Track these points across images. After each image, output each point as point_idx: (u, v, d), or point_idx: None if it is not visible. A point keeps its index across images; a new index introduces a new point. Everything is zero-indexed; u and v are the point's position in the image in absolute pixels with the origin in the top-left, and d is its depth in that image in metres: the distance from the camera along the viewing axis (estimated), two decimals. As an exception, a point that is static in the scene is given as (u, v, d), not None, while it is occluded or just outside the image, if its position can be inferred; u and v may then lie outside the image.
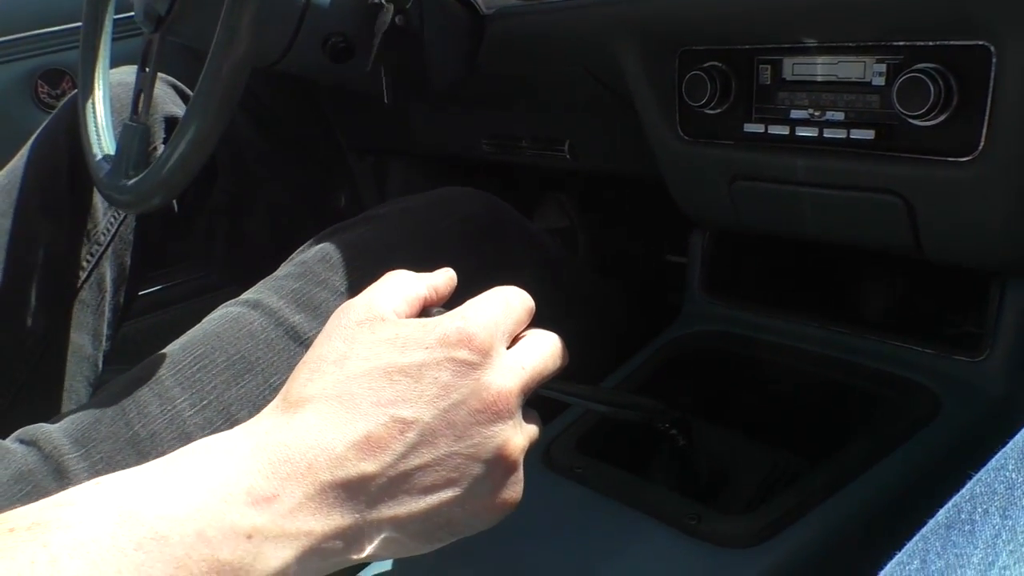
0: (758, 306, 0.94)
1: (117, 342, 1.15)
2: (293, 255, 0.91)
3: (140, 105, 0.99)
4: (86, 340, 1.11)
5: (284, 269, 0.89)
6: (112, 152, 1.02)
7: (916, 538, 0.40)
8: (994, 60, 0.68)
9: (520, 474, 0.52)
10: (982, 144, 0.70)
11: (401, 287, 0.55)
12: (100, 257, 1.13)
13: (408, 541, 0.49)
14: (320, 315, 0.82)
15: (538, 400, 0.55)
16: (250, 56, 0.77)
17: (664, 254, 1.33)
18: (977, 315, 0.80)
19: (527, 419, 0.53)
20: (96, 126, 1.06)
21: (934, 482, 0.68)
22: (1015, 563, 0.35)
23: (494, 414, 0.49)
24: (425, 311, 0.55)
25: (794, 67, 0.81)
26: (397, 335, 0.50)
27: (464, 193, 0.95)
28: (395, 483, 0.46)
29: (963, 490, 0.40)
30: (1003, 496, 0.38)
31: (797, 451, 0.80)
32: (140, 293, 1.25)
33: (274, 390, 0.77)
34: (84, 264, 1.12)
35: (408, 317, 0.53)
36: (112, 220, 1.15)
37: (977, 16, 0.67)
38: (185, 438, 0.75)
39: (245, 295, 0.86)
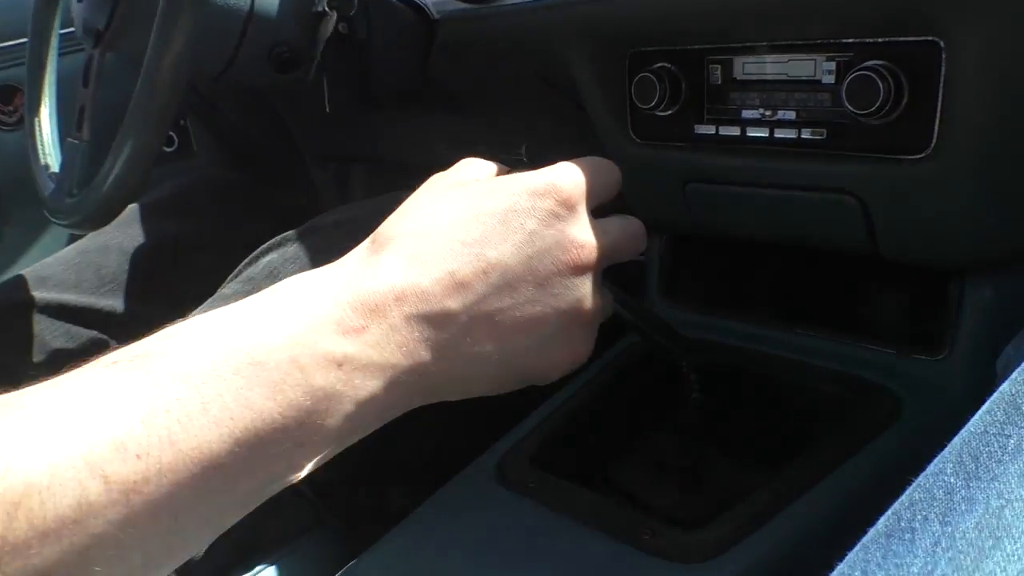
0: (717, 310, 0.92)
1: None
2: (239, 268, 0.89)
3: (84, 121, 0.97)
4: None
5: (231, 286, 0.87)
6: (57, 170, 1.00)
7: (857, 548, 0.39)
8: (944, 56, 0.66)
9: (592, 332, 0.53)
10: (935, 141, 0.69)
11: (483, 164, 0.56)
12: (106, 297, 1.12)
13: (483, 383, 0.51)
14: None
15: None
16: (184, 69, 0.75)
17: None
18: (937, 314, 0.79)
19: (603, 293, 0.54)
20: (42, 143, 1.04)
21: (895, 487, 0.66)
22: (954, 571, 0.33)
23: (576, 267, 0.50)
24: None
25: (745, 66, 0.80)
26: (485, 184, 0.51)
27: None
28: (477, 323, 0.47)
29: (903, 497, 0.39)
30: (942, 502, 0.37)
31: (757, 456, 0.79)
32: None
33: None
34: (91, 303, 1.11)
35: None
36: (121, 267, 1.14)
37: (925, 11, 0.66)
38: None
39: (193, 315, 0.84)
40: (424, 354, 0.46)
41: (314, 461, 0.45)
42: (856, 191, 0.74)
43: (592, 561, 0.64)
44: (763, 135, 0.78)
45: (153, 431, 0.38)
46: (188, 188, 1.35)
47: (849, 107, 0.69)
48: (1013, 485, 0.35)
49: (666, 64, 0.83)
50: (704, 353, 0.73)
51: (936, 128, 0.68)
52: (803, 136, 0.76)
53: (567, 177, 0.51)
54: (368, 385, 0.44)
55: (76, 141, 0.94)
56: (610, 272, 0.56)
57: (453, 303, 0.47)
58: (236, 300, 0.82)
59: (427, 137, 1.32)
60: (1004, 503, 0.35)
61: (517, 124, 1.19)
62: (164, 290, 1.16)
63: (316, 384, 0.43)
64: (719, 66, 0.81)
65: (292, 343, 0.43)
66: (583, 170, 0.53)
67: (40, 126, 1.05)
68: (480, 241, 0.48)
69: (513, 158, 1.18)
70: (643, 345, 0.92)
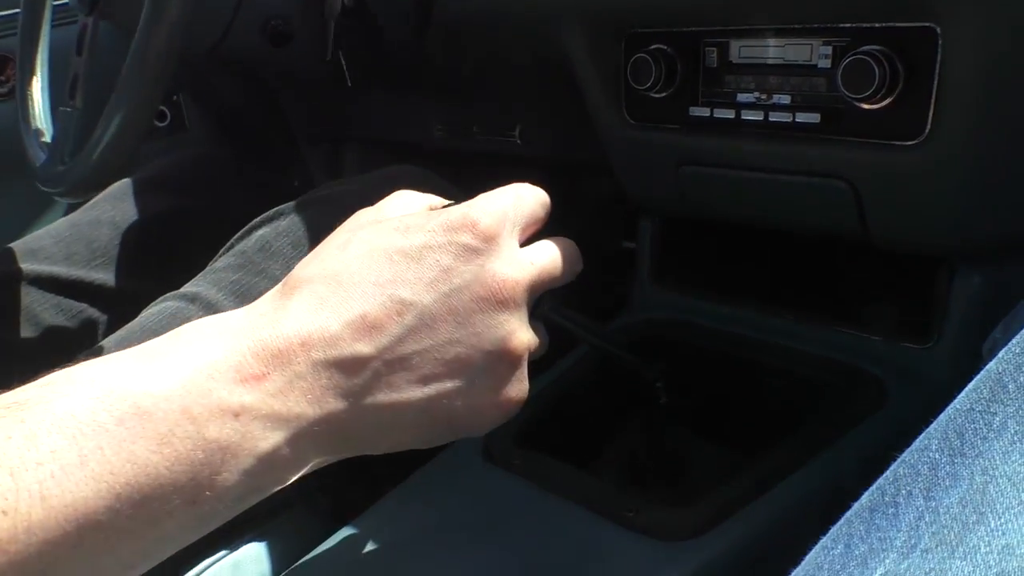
0: (706, 293, 0.92)
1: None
2: (231, 243, 0.88)
3: (77, 90, 0.96)
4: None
5: (223, 260, 0.86)
6: (49, 139, 0.99)
7: (841, 522, 0.40)
8: (940, 42, 0.66)
9: (524, 372, 0.50)
10: (928, 128, 0.69)
11: (412, 198, 0.55)
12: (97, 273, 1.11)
13: (407, 434, 0.48)
14: None
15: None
16: (176, 37, 0.75)
17: (620, 241, 1.32)
18: (926, 302, 0.79)
19: (534, 327, 0.52)
20: (34, 112, 1.04)
21: (878, 472, 0.67)
22: (936, 545, 0.34)
23: (498, 303, 0.47)
24: None
25: (741, 50, 0.79)
26: (401, 220, 0.49)
27: (406, 171, 0.93)
28: (392, 368, 0.45)
29: (887, 472, 0.39)
30: (926, 478, 0.37)
31: (742, 439, 0.79)
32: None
33: None
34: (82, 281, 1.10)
35: None
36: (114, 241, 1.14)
37: (922, -3, 0.66)
38: None
39: (184, 288, 0.84)
40: (334, 403, 0.43)
41: (212, 522, 0.42)
42: (848, 176, 0.74)
43: (575, 537, 0.64)
44: (758, 118, 0.78)
45: (23, 485, 0.35)
46: (181, 164, 1.34)
47: (844, 91, 0.69)
48: (997, 461, 0.35)
49: (662, 46, 0.83)
50: (663, 360, 0.72)
51: (930, 115, 0.68)
52: (798, 120, 0.76)
53: (485, 209, 0.49)
54: (270, 437, 0.41)
55: (69, 110, 0.93)
56: (563, 289, 0.55)
57: (365, 347, 0.44)
58: (227, 274, 0.83)
59: (421, 117, 1.32)
60: (988, 479, 0.35)
61: (511, 105, 1.18)
62: (156, 265, 1.16)
63: (209, 436, 0.40)
64: (715, 49, 0.81)
65: (184, 391, 0.40)
66: (504, 199, 0.51)
67: (32, 95, 1.04)
68: (393, 281, 0.46)
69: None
70: (630, 329, 0.92)
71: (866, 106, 0.70)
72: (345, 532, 0.70)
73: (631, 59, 0.84)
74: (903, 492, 0.37)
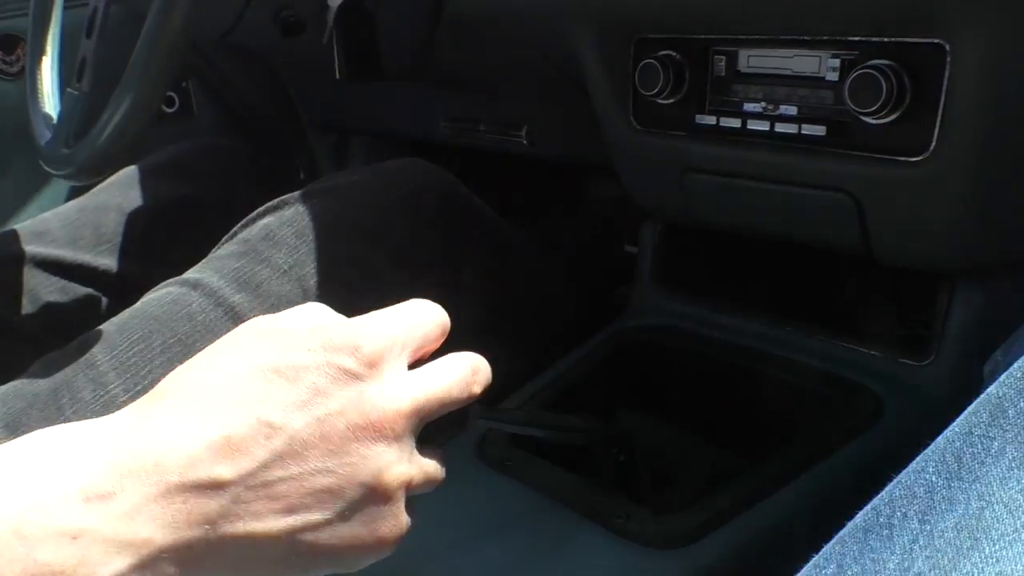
0: (707, 300, 0.92)
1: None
2: (235, 230, 0.88)
3: (84, 72, 0.96)
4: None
5: (226, 247, 0.86)
6: (56, 120, 0.99)
7: (834, 541, 0.39)
8: (948, 59, 0.66)
9: (399, 510, 0.45)
10: (933, 144, 0.68)
11: (317, 313, 0.49)
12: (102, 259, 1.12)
13: (266, 565, 0.43)
14: (261, 294, 0.80)
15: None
16: (188, 24, 0.75)
17: (623, 244, 1.32)
18: (925, 318, 0.79)
19: (425, 454, 0.47)
20: (42, 93, 1.04)
21: (872, 487, 0.67)
22: (930, 569, 0.34)
23: (376, 432, 0.43)
24: None
25: (749, 59, 0.79)
26: (281, 335, 0.45)
27: (413, 165, 0.93)
28: (254, 494, 0.40)
29: (882, 493, 0.39)
30: (922, 500, 0.36)
31: (738, 449, 0.79)
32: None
33: None
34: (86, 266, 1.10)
35: None
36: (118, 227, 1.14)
37: (932, 13, 0.65)
38: None
39: (186, 274, 0.83)
40: (187, 530, 0.39)
41: None
42: (852, 190, 0.74)
43: (564, 541, 0.64)
44: (764, 128, 0.78)
45: None
46: (188, 152, 1.34)
47: (851, 105, 0.69)
48: (994, 487, 0.35)
49: (671, 52, 0.83)
50: (608, 430, 0.72)
51: (936, 131, 0.68)
52: (803, 132, 0.76)
53: (371, 330, 0.45)
54: (111, 564, 0.37)
55: (75, 92, 0.93)
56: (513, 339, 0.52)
57: (225, 470, 0.40)
58: (230, 261, 0.83)
59: (428, 113, 1.32)
60: (984, 504, 0.35)
61: (519, 105, 1.18)
62: (160, 252, 1.16)
63: (41, 560, 0.36)
64: (724, 57, 0.81)
65: (20, 509, 0.36)
66: (395, 321, 0.47)
67: (41, 76, 1.04)
68: (263, 400, 0.42)
69: (517, 140, 1.17)
70: (629, 334, 0.92)
71: (872, 120, 0.70)
72: None
73: (639, 64, 0.84)
74: (898, 514, 0.37)
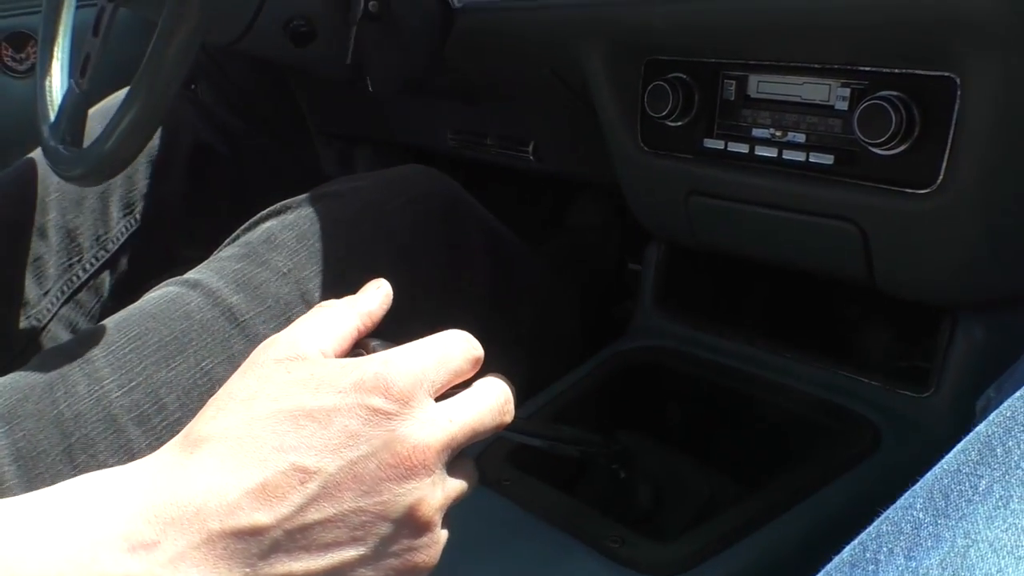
0: (708, 324, 0.92)
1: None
2: (237, 233, 0.88)
3: (86, 70, 0.96)
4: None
5: (228, 249, 0.86)
6: (53, 119, 0.99)
7: (820, 575, 0.39)
8: (959, 93, 0.66)
9: (437, 536, 0.47)
10: (941, 177, 0.68)
11: (330, 322, 0.50)
12: (105, 262, 1.11)
13: None
14: (260, 296, 0.80)
15: None
16: (199, 33, 0.75)
17: (627, 262, 1.32)
18: (926, 350, 0.79)
19: (456, 474, 0.49)
20: (50, 94, 1.04)
21: (866, 519, 0.66)
22: None
23: (407, 470, 0.44)
24: (360, 343, 0.51)
25: (759, 84, 0.79)
26: (312, 375, 0.45)
27: (418, 173, 0.93)
28: (292, 537, 0.42)
29: (870, 528, 0.39)
30: (909, 536, 0.37)
31: (735, 475, 0.78)
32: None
33: (205, 374, 0.76)
34: (88, 267, 1.10)
35: (338, 354, 0.49)
36: (124, 229, 1.13)
37: (944, 46, 0.65)
38: (110, 420, 0.72)
39: (187, 275, 0.84)
40: (228, 573, 0.40)
41: None
42: (858, 220, 0.74)
43: (556, 563, 0.64)
44: (771, 155, 0.78)
45: None
46: (193, 153, 1.34)
47: (860, 135, 0.69)
48: (980, 526, 0.35)
49: (681, 75, 0.83)
50: (609, 444, 0.72)
51: (944, 165, 0.68)
52: (811, 160, 0.75)
53: (401, 368, 0.46)
54: None
55: (76, 90, 0.94)
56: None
57: (264, 516, 0.41)
58: (230, 263, 0.83)
59: (436, 124, 1.32)
60: (970, 543, 0.35)
61: (526, 120, 1.18)
62: (163, 250, 1.16)
63: None
64: (734, 82, 0.81)
65: (65, 560, 0.37)
66: (424, 357, 0.47)
67: (52, 77, 1.04)
68: (297, 447, 0.43)
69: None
70: (630, 355, 0.92)
71: (880, 151, 0.69)
72: None
73: (649, 86, 0.84)
74: (884, 549, 0.37)
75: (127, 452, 0.72)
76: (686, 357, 0.90)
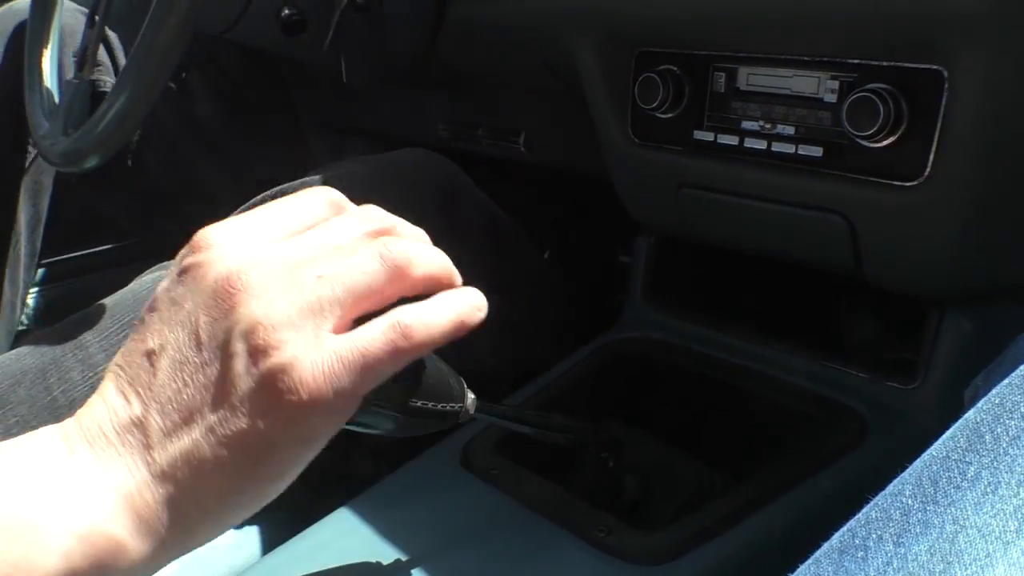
0: (698, 316, 0.92)
1: (40, 309, 1.12)
2: (229, 220, 0.88)
3: (86, 62, 0.96)
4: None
5: None
6: (54, 108, 0.99)
7: (809, 562, 0.39)
8: (947, 85, 0.66)
9: (285, 356, 0.42)
10: (928, 170, 0.69)
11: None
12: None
13: (209, 495, 0.42)
14: None
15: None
16: (190, 20, 0.75)
17: (617, 254, 1.32)
18: (913, 343, 0.79)
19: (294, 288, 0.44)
20: (41, 81, 1.04)
21: (853, 508, 0.67)
22: None
23: (227, 298, 0.42)
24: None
25: (749, 77, 0.80)
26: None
27: (416, 155, 0.93)
28: (164, 415, 0.42)
29: (859, 514, 0.39)
30: (898, 523, 0.37)
31: (723, 466, 0.79)
32: (63, 257, 1.22)
33: None
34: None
35: None
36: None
37: (933, 39, 0.66)
38: None
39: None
40: (129, 471, 0.41)
41: None
42: (846, 212, 0.74)
43: (543, 552, 0.64)
44: (761, 147, 0.78)
45: None
46: (185, 142, 1.34)
47: (848, 127, 0.69)
48: (969, 512, 0.35)
49: (672, 67, 0.83)
50: (599, 432, 0.72)
51: (931, 157, 0.68)
52: (800, 152, 0.76)
53: (210, 226, 0.46)
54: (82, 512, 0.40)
55: (76, 81, 0.94)
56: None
57: (137, 407, 0.42)
58: None
59: (428, 116, 1.32)
60: (959, 529, 0.35)
61: (518, 112, 1.18)
62: (154, 238, 1.16)
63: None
64: (724, 74, 0.81)
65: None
66: (244, 218, 0.48)
67: (43, 68, 1.04)
68: (144, 337, 0.44)
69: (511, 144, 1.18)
70: (619, 346, 0.92)
71: (868, 144, 0.70)
72: (313, 530, 0.70)
73: (640, 77, 0.84)
74: (873, 536, 0.37)
75: None
76: (675, 348, 0.90)
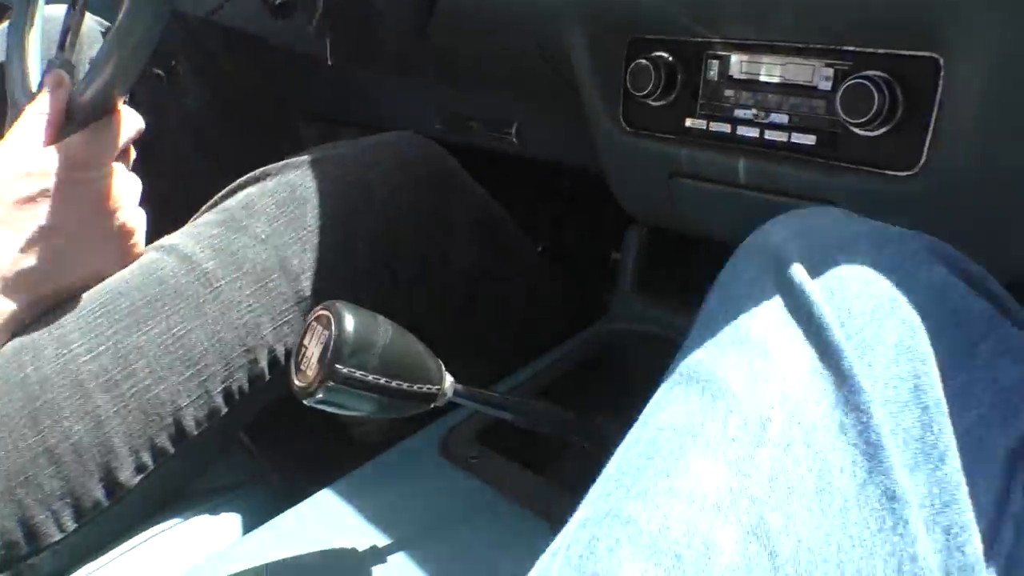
0: (688, 309, 0.91)
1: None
2: (216, 199, 0.88)
3: (67, 43, 0.94)
4: None
5: (206, 215, 0.86)
6: (35, 89, 0.97)
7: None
8: (942, 74, 0.65)
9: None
10: (923, 160, 0.68)
11: None
12: None
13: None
14: (236, 261, 0.79)
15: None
16: (165, 9, 0.74)
17: (609, 248, 1.31)
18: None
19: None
20: (24, 64, 1.02)
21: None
22: (616, 489, 0.44)
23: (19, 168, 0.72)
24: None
25: (742, 64, 0.78)
26: None
27: (402, 138, 0.92)
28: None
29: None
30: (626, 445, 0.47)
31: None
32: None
33: (176, 339, 0.75)
34: None
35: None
36: None
37: (928, 27, 0.64)
38: (77, 385, 0.72)
39: (163, 240, 0.84)
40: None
41: None
42: (840, 202, 0.73)
43: (518, 542, 0.63)
44: (753, 135, 0.77)
45: None
46: (176, 134, 1.33)
47: (842, 115, 0.68)
48: (663, 417, 0.46)
49: (664, 54, 0.82)
50: (583, 421, 0.71)
51: (926, 146, 0.67)
52: (793, 140, 0.74)
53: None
54: None
55: (59, 62, 0.92)
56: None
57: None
58: (207, 228, 0.83)
59: (420, 107, 1.30)
60: (658, 432, 0.44)
61: (510, 103, 1.17)
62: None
63: None
64: (717, 62, 0.79)
65: None
66: None
67: (26, 47, 1.02)
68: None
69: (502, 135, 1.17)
70: (608, 338, 0.91)
71: (863, 132, 0.68)
72: (289, 515, 0.69)
73: (631, 65, 0.82)
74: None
75: (93, 418, 0.72)
76: (665, 341, 0.89)
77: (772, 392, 0.42)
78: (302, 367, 0.52)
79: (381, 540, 0.65)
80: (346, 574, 0.63)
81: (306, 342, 0.52)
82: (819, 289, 0.45)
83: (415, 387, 0.51)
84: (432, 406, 0.54)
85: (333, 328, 0.50)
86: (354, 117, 1.50)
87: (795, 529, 0.38)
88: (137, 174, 1.24)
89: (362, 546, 0.65)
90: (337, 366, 0.49)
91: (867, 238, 0.48)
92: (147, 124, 1.30)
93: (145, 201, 1.24)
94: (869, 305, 0.43)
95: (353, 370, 0.49)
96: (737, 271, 0.54)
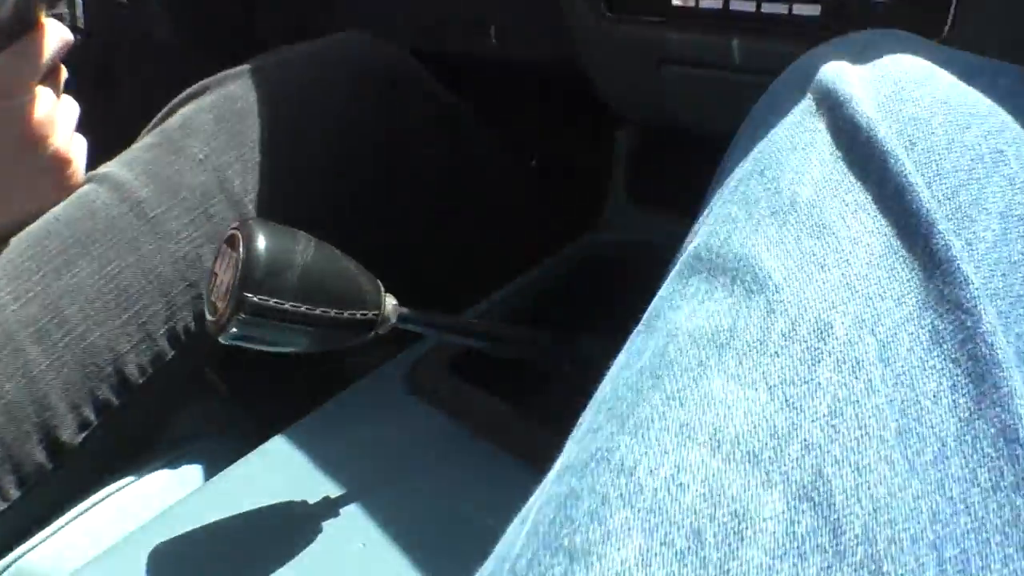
0: (684, 215, 0.84)
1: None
2: (154, 122, 0.82)
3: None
4: None
5: (142, 140, 0.80)
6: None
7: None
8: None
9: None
10: (947, 27, 0.60)
11: None
12: None
13: None
14: (171, 188, 0.73)
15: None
16: None
17: (596, 155, 1.25)
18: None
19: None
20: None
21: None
22: (607, 422, 0.32)
23: None
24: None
25: (736, -73, 0.70)
26: None
27: (352, 38, 0.86)
28: None
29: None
30: (623, 355, 0.36)
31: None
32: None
33: (110, 279, 0.70)
34: None
35: None
36: None
37: None
38: (7, 337, 0.67)
39: (99, 168, 0.78)
40: None
41: None
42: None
43: (488, 480, 0.58)
44: (749, 9, 0.69)
45: None
46: (138, 62, 1.26)
47: (851, -24, 0.60)
48: (682, 321, 0.34)
49: (647, -78, 0.73)
50: (555, 341, 0.65)
51: (951, 11, 0.59)
52: (794, 12, 0.67)
53: None
54: None
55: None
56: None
57: None
58: (142, 153, 0.76)
59: (389, 16, 1.23)
60: (670, 340, 0.33)
61: (486, 2, 1.09)
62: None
63: None
64: (706, -73, 0.71)
65: None
66: None
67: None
68: None
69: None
70: (599, 249, 0.84)
71: (875, -2, 0.60)
72: (249, 459, 0.65)
73: (612, -64, 0.75)
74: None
75: (25, 374, 0.67)
76: (659, 251, 0.82)
77: (831, 284, 0.31)
78: (212, 299, 0.44)
79: (338, 489, 0.60)
80: (303, 527, 0.58)
81: (217, 269, 0.45)
82: (895, 136, 0.33)
83: (346, 313, 0.44)
84: (373, 334, 0.46)
85: (241, 250, 0.42)
86: (324, 28, 1.41)
87: (869, 491, 0.27)
88: (96, 106, 1.17)
89: (321, 490, 0.60)
90: (246, 294, 0.42)
91: (953, 66, 0.36)
92: (108, 55, 1.22)
93: (104, 134, 1.17)
94: (966, 158, 0.32)
95: (266, 298, 0.42)
96: (776, 111, 0.41)
